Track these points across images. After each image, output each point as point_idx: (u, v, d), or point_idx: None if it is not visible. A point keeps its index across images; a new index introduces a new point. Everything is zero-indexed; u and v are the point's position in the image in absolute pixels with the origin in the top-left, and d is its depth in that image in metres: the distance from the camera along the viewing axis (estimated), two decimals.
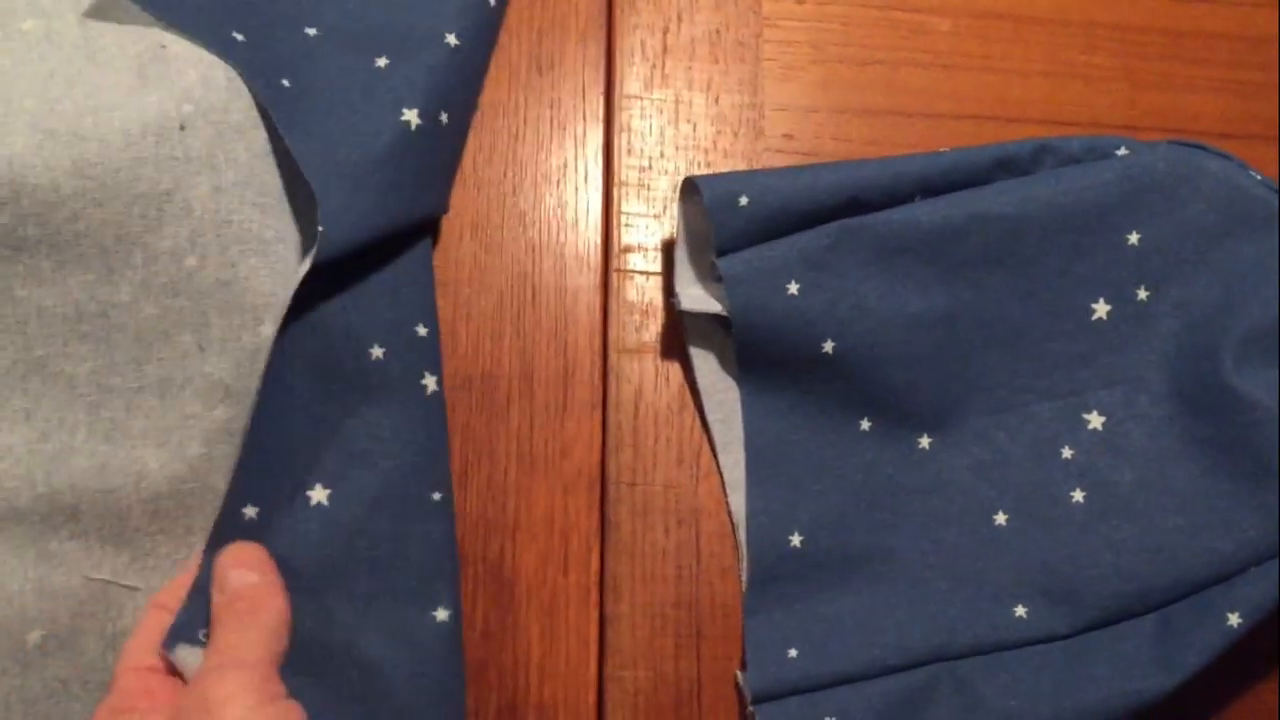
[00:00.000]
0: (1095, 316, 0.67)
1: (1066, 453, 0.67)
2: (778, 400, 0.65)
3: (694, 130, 0.73)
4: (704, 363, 0.67)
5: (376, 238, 0.60)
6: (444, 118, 0.63)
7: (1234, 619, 0.62)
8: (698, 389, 0.67)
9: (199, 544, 0.58)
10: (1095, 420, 0.67)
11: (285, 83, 0.61)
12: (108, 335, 0.55)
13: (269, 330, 0.58)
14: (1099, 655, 0.63)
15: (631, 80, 0.73)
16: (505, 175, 0.70)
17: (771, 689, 0.62)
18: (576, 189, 0.71)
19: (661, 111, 0.73)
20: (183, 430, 0.57)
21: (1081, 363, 0.67)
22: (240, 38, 0.60)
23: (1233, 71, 0.79)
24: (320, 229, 0.57)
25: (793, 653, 0.63)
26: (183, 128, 0.56)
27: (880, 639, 0.63)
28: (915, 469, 0.66)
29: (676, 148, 0.72)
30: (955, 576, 0.64)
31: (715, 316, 0.65)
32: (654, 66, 0.73)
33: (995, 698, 0.62)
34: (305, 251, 0.60)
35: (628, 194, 0.71)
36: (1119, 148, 0.67)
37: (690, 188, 0.64)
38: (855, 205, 0.64)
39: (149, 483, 0.57)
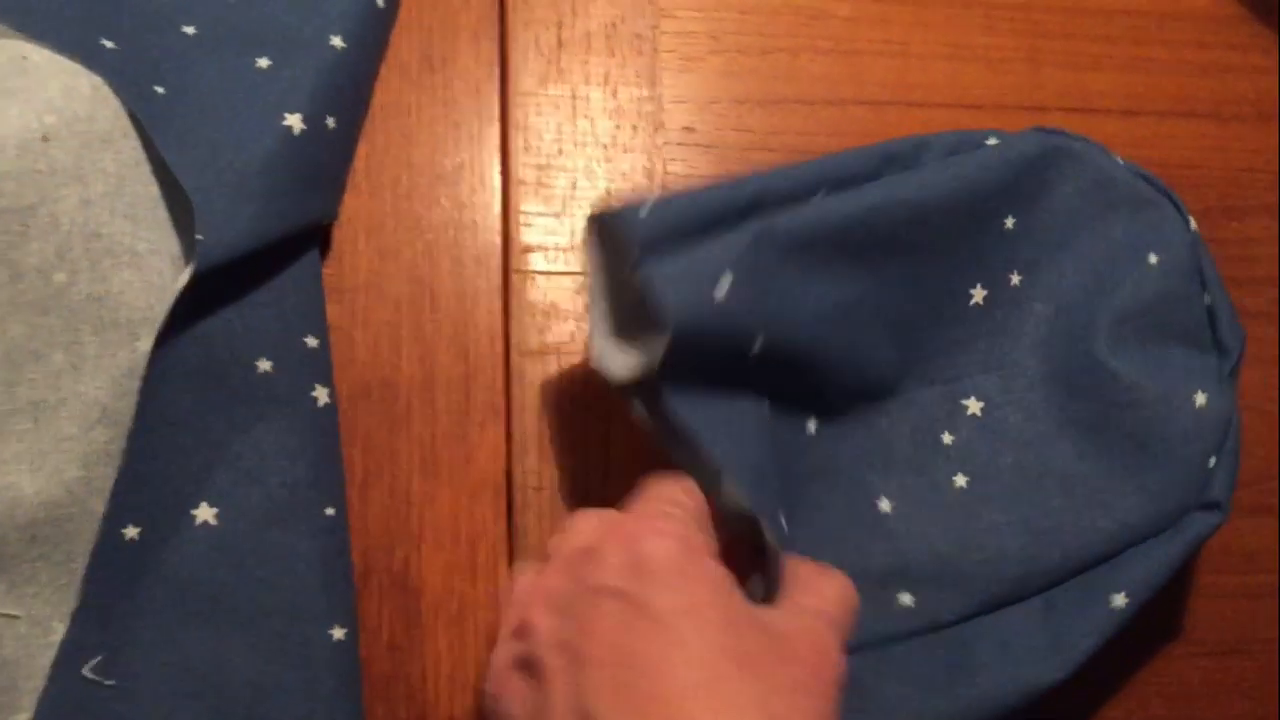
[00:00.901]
0: (973, 302, 0.66)
1: (947, 438, 0.66)
2: (710, 404, 0.60)
3: (592, 126, 0.71)
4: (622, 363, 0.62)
5: (260, 246, 0.57)
6: (330, 122, 0.61)
7: (1119, 599, 0.61)
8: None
9: (80, 569, 0.56)
10: (974, 405, 0.66)
11: (158, 89, 0.58)
12: None
13: (146, 346, 0.55)
14: (988, 641, 0.62)
15: (526, 76, 0.71)
16: (399, 178, 0.68)
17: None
18: (473, 189, 0.68)
19: (558, 108, 0.71)
20: (59, 454, 0.54)
21: (960, 348, 0.66)
22: (109, 44, 0.58)
23: (1137, 48, 0.78)
24: (199, 238, 0.55)
25: None
26: (46, 139, 0.54)
27: None
28: (802, 453, 0.64)
29: (575, 144, 0.70)
30: (839, 563, 0.61)
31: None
32: (549, 62, 0.71)
33: (886, 689, 0.61)
34: (184, 263, 0.57)
35: (526, 193, 0.69)
36: (988, 138, 0.67)
37: (591, 224, 0.61)
38: (759, 206, 0.62)
39: (24, 509, 0.54)
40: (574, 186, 0.70)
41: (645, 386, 0.59)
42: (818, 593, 0.55)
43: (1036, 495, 0.64)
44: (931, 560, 0.64)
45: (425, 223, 0.68)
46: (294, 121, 0.59)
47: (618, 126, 0.71)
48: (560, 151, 0.70)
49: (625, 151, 0.70)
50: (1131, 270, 0.65)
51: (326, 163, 0.63)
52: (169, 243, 0.57)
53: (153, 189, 0.57)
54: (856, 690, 0.59)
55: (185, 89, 0.60)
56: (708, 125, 0.72)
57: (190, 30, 0.62)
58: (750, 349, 0.60)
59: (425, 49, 0.70)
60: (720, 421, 0.59)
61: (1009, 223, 0.66)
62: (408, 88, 0.69)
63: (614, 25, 0.72)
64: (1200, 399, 0.63)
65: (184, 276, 0.55)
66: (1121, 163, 0.67)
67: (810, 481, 0.64)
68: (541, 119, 0.70)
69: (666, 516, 0.54)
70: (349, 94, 0.64)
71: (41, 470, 0.54)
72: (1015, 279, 0.66)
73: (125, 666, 0.56)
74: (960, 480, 0.65)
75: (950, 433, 0.66)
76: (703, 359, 0.58)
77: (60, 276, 0.54)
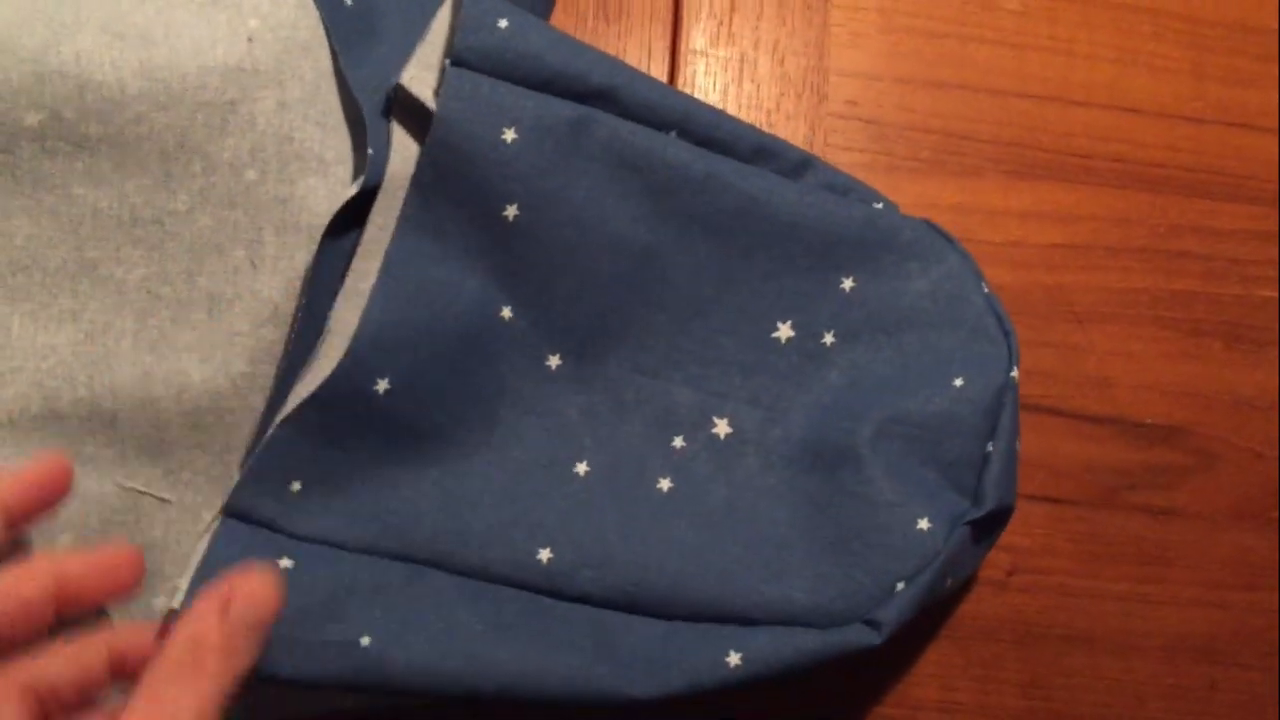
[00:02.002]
0: (775, 335, 0.63)
1: (678, 442, 0.62)
2: (435, 243, 0.58)
3: (757, 90, 0.71)
4: (402, 156, 0.59)
5: None
6: None
7: (734, 659, 0.56)
8: (383, 176, 0.58)
9: (235, 464, 0.56)
10: (722, 428, 0.62)
11: (347, 1, 0.59)
12: (161, 243, 0.54)
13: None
14: (594, 630, 0.58)
15: (698, 36, 0.71)
16: None
17: (254, 512, 0.56)
18: None
19: (726, 69, 0.71)
20: (228, 347, 0.55)
21: (740, 370, 0.63)
22: None
23: None
24: (370, 152, 0.56)
25: (295, 486, 0.57)
26: (250, 40, 0.54)
27: (387, 518, 0.58)
28: (530, 383, 0.61)
29: (739, 107, 0.70)
30: (504, 496, 0.59)
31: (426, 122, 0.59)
32: (721, 24, 0.71)
33: (466, 620, 0.56)
34: (358, 167, 0.58)
35: None
36: (878, 202, 0.64)
37: None
38: (610, 99, 0.60)
39: (190, 396, 0.55)
40: None
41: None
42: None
43: (725, 535, 0.60)
44: (589, 534, 0.60)
45: None
46: None
47: (782, 94, 0.71)
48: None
49: (787, 119, 0.70)
50: (932, 383, 0.61)
51: None
52: (353, 155, 0.58)
53: (340, 100, 0.58)
54: (439, 606, 0.56)
55: (368, 5, 0.60)
56: (870, 101, 0.72)
57: None
58: (501, 209, 0.58)
59: (601, 0, 0.70)
60: (419, 269, 0.57)
61: (847, 283, 0.63)
62: (582, 36, 0.69)
63: None
64: (923, 524, 0.58)
65: (347, 194, 0.56)
66: (985, 292, 0.64)
67: (524, 413, 0.61)
68: (709, 79, 0.70)
69: None
70: None
71: (210, 361, 0.55)
72: (829, 339, 0.63)
73: None
74: (665, 484, 0.61)
75: (685, 439, 0.62)
76: (458, 188, 0.57)
77: (251, 174, 0.54)
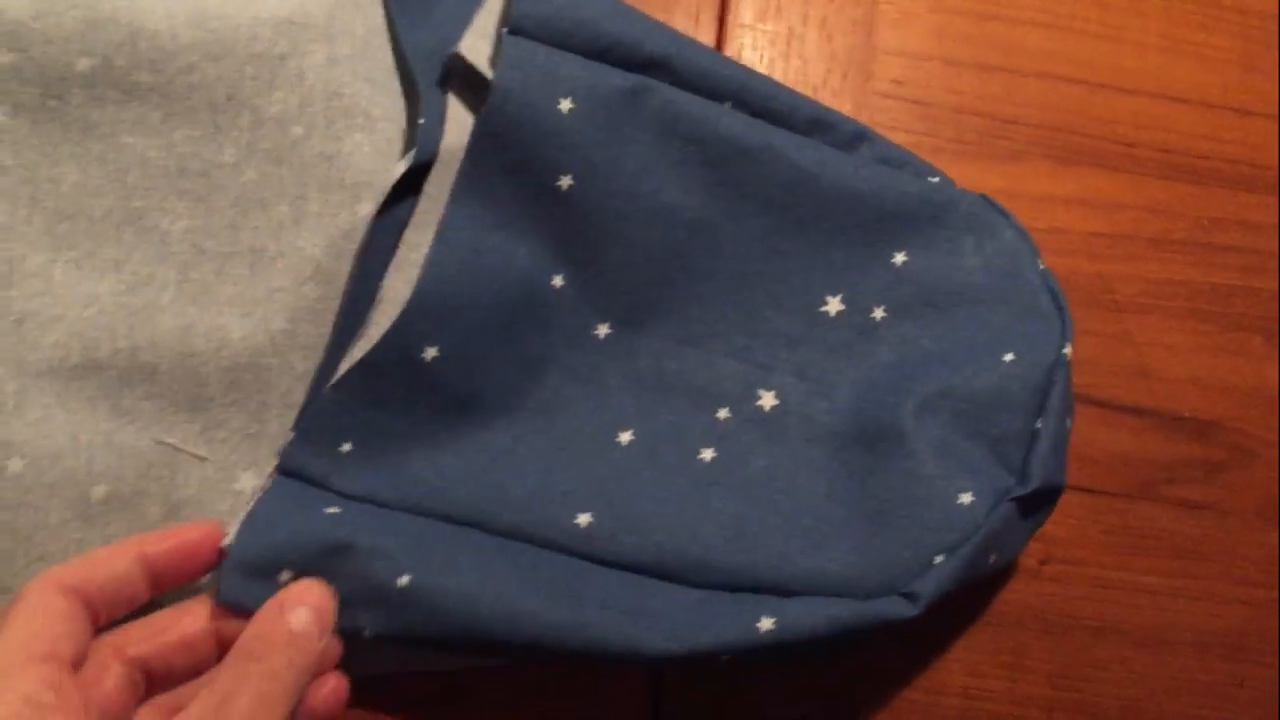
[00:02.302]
0: (824, 309, 0.63)
1: (723, 413, 0.62)
2: (488, 212, 0.58)
3: (805, 66, 0.70)
4: (457, 125, 0.60)
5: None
6: None
7: (766, 623, 0.56)
8: (438, 149, 0.59)
9: (272, 422, 0.56)
10: (767, 399, 0.62)
11: None
12: (207, 195, 0.54)
13: (366, 209, 0.56)
14: (629, 594, 0.58)
15: (746, 9, 0.71)
16: None
17: (306, 470, 0.57)
18: None
19: (773, 44, 0.70)
20: (269, 303, 0.55)
21: (787, 343, 0.63)
22: None
23: None
24: (421, 122, 0.56)
25: (346, 447, 0.58)
26: None
27: (431, 479, 0.59)
28: (578, 351, 0.61)
29: (785, 82, 0.69)
30: (546, 461, 0.60)
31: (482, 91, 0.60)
32: None
33: (503, 574, 0.56)
34: (409, 133, 0.58)
35: None
36: (934, 176, 0.64)
37: None
38: (666, 68, 0.60)
39: (230, 351, 0.55)
40: None
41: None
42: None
43: (764, 505, 0.60)
44: (629, 503, 0.60)
45: None
46: None
47: (829, 70, 0.71)
48: None
49: (834, 96, 0.70)
50: (982, 359, 0.61)
51: None
52: (400, 112, 0.58)
53: (391, 58, 0.58)
54: (478, 565, 0.56)
55: None
56: (917, 82, 0.72)
57: None
58: (555, 179, 0.58)
59: None
60: (473, 237, 0.57)
61: (899, 258, 0.63)
62: (631, 4, 0.69)
63: None
64: (965, 498, 0.58)
65: (400, 167, 0.56)
66: (1040, 268, 0.64)
67: (570, 381, 0.61)
68: (756, 53, 0.70)
69: None
70: None
71: (250, 317, 0.55)
72: (879, 313, 0.63)
73: None
74: (707, 454, 0.61)
75: (729, 411, 0.62)
76: (513, 157, 0.57)
77: (298, 129, 0.54)
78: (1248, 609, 0.68)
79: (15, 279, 0.52)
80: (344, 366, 0.56)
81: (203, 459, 0.55)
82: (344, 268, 0.56)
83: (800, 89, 0.69)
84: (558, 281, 0.60)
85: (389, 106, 0.57)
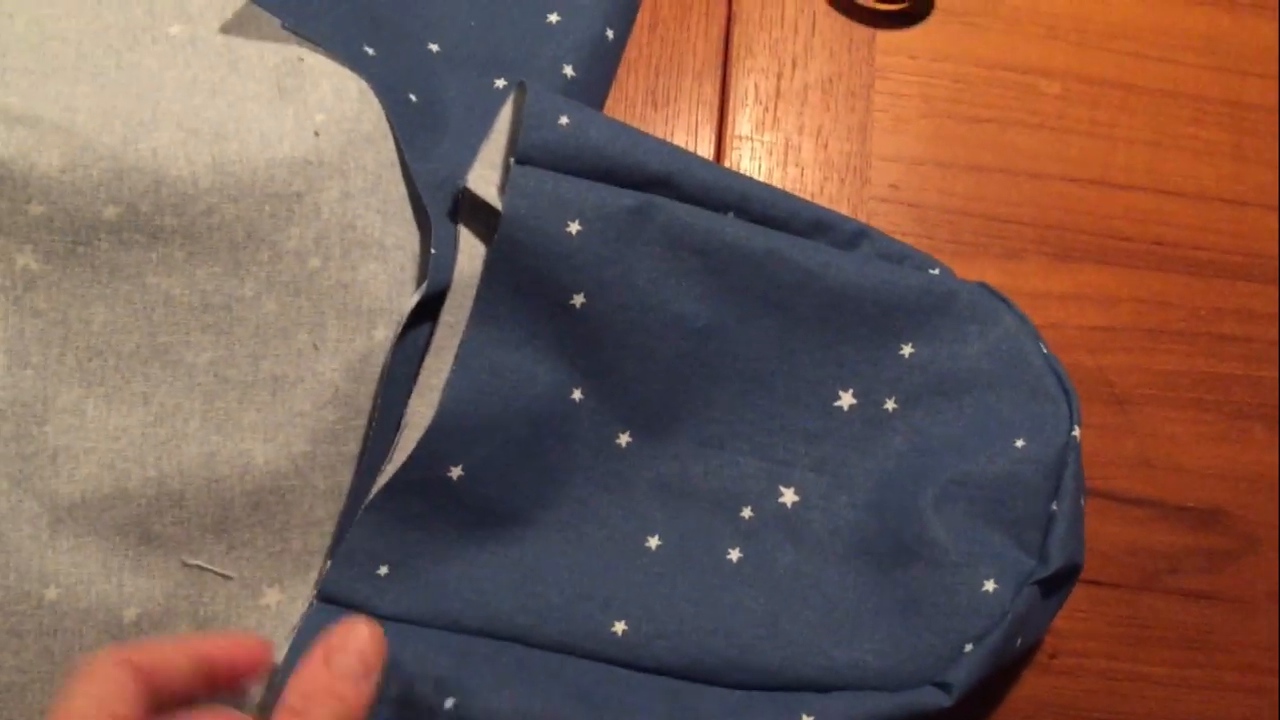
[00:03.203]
0: (838, 404, 0.65)
1: (746, 513, 0.65)
2: (505, 334, 0.61)
3: (801, 174, 0.73)
4: (469, 254, 0.62)
5: None
6: None
7: None
8: (451, 277, 0.62)
9: (295, 540, 0.60)
10: (789, 496, 0.65)
11: (412, 97, 0.62)
12: (229, 328, 0.57)
13: (381, 334, 0.59)
14: (670, 699, 0.60)
15: (743, 122, 0.74)
16: None
17: (345, 595, 0.60)
18: None
19: (771, 154, 0.74)
20: (291, 427, 0.58)
21: (804, 439, 0.65)
22: (370, 51, 0.62)
23: None
24: (433, 252, 0.59)
25: (383, 570, 0.60)
26: (317, 134, 0.58)
27: (468, 596, 0.61)
28: (602, 461, 0.64)
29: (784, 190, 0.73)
30: (579, 571, 0.62)
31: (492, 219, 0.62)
32: (766, 110, 0.74)
33: (545, 688, 0.58)
34: (422, 259, 0.61)
35: None
36: (935, 268, 0.67)
37: (520, 94, 0.62)
38: (669, 185, 0.62)
39: (253, 475, 0.58)
40: None
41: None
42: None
43: (795, 600, 0.63)
44: (666, 608, 0.62)
45: None
46: None
47: (826, 178, 0.74)
48: None
49: (831, 202, 0.73)
50: (994, 444, 0.63)
51: None
52: (412, 240, 0.61)
53: (403, 189, 0.61)
54: (526, 675, 0.59)
55: (431, 100, 0.64)
56: (912, 185, 0.75)
57: (435, 48, 0.66)
58: (569, 298, 0.61)
59: (651, 86, 0.73)
60: (492, 358, 0.60)
61: (906, 350, 0.65)
62: (632, 121, 0.72)
63: (831, 81, 0.75)
64: (989, 585, 0.60)
65: (415, 297, 0.59)
66: (1044, 352, 0.66)
67: (597, 490, 0.64)
68: (754, 163, 0.74)
69: None
70: None
71: (273, 441, 0.58)
72: (890, 404, 0.66)
73: None
74: (734, 554, 0.64)
75: (752, 510, 0.65)
76: (527, 280, 0.60)
77: (314, 261, 0.58)
78: (1256, 697, 0.70)
79: (49, 415, 0.55)
80: (374, 490, 0.60)
81: (228, 577, 0.58)
82: (362, 390, 0.59)
83: (798, 195, 0.73)
84: (577, 395, 0.63)
85: (402, 236, 0.60)
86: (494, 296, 0.60)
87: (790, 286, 0.64)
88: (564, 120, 0.61)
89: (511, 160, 0.61)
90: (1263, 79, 0.80)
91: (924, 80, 0.76)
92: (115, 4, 0.60)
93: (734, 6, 0.75)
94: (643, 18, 0.74)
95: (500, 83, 0.66)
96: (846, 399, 0.65)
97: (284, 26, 0.60)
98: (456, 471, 0.60)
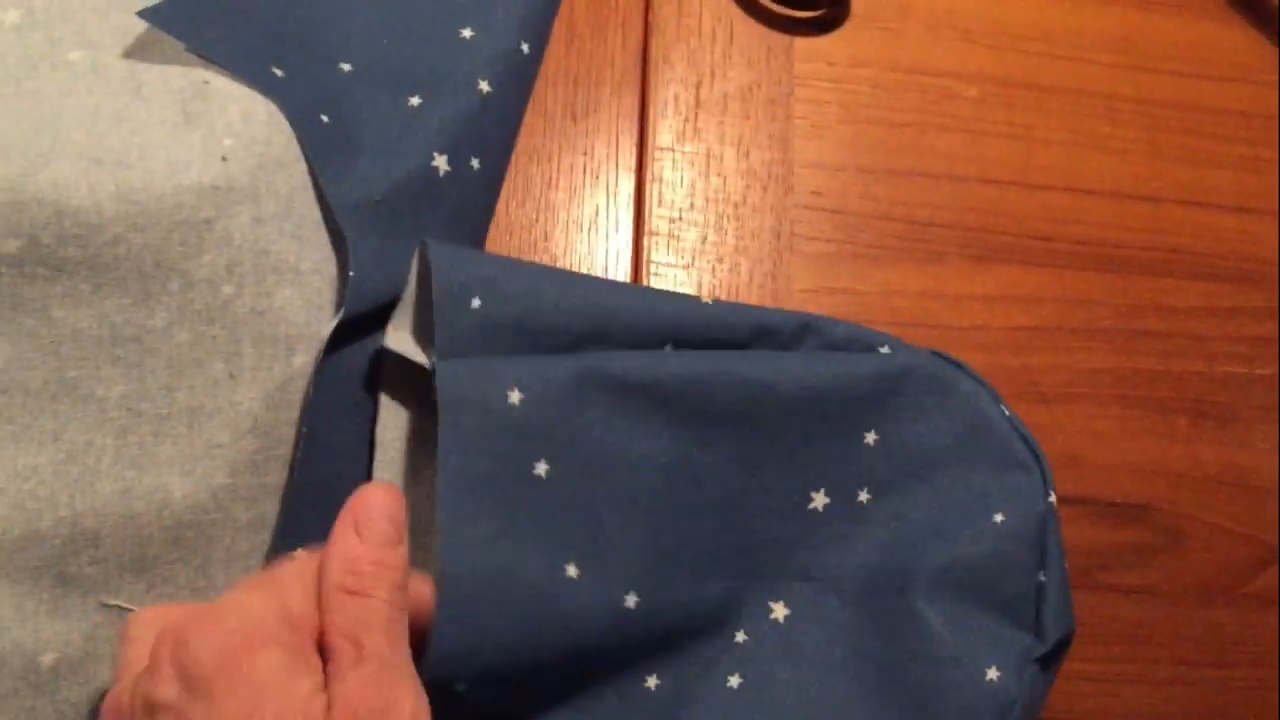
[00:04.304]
0: (812, 506, 0.63)
1: (740, 637, 0.62)
2: (482, 527, 0.56)
3: (724, 184, 0.71)
4: (391, 415, 0.61)
5: (405, 286, 0.59)
6: (475, 164, 0.63)
7: None
8: (374, 439, 0.61)
9: (218, 575, 0.56)
10: (779, 610, 0.63)
11: (324, 118, 0.60)
12: (141, 360, 0.54)
13: (300, 361, 0.57)
14: None
15: (664, 132, 0.71)
16: (537, 220, 0.69)
17: None
18: (607, 236, 0.69)
19: (693, 164, 0.71)
20: (209, 459, 0.55)
21: (785, 548, 0.63)
22: (279, 73, 0.59)
23: (1253, 149, 0.78)
24: (351, 274, 0.56)
25: None
26: (225, 159, 0.55)
27: None
28: (615, 629, 0.59)
29: (706, 200, 0.71)
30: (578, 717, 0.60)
31: (415, 375, 0.60)
32: (686, 120, 0.72)
33: None
34: (339, 282, 0.59)
35: (657, 244, 0.70)
36: (883, 344, 0.64)
37: (424, 256, 0.60)
38: (597, 338, 0.60)
39: (172, 510, 0.55)
40: (704, 241, 0.70)
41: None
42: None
43: (800, 718, 0.61)
44: None
45: (560, 265, 0.68)
46: (440, 162, 0.61)
47: (748, 186, 0.71)
48: (692, 206, 0.71)
49: (755, 211, 0.71)
50: (974, 523, 0.62)
51: (470, 204, 0.64)
52: (328, 264, 0.58)
53: (316, 212, 0.58)
54: None
55: (344, 121, 0.61)
56: (835, 191, 0.73)
57: (347, 67, 0.63)
58: (530, 469, 0.57)
59: (569, 99, 0.71)
60: (474, 562, 0.55)
61: (870, 438, 0.63)
62: (551, 135, 0.70)
63: (750, 89, 0.73)
64: (992, 674, 0.59)
65: (331, 323, 0.56)
66: (1006, 413, 0.64)
67: (604, 652, 0.60)
68: (676, 174, 0.71)
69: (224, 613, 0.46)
70: (494, 137, 0.65)
71: (191, 475, 0.55)
72: (864, 496, 0.63)
73: None
74: (734, 680, 0.61)
75: (746, 633, 0.62)
76: (484, 466, 0.56)
77: (228, 289, 0.55)
78: (1189, 689, 0.69)
79: None
80: None
81: None
82: (281, 419, 0.57)
83: (722, 205, 0.70)
84: (572, 571, 0.57)
85: (317, 260, 0.57)
86: (457, 491, 0.55)
87: (744, 402, 0.61)
88: (476, 303, 0.58)
89: (434, 362, 0.57)
90: (1174, 76, 0.79)
91: (842, 86, 0.74)
92: (11, 31, 0.56)
93: (650, 17, 0.73)
94: (559, 31, 0.71)
95: (415, 100, 0.62)
96: (819, 499, 0.63)
97: (189, 49, 0.57)
98: (462, 686, 0.55)
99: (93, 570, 0.54)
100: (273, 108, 0.58)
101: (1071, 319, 0.73)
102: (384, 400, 0.60)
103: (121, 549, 0.54)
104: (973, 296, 0.73)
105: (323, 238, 0.58)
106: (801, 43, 0.74)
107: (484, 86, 0.64)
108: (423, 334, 0.60)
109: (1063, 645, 0.61)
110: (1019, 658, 0.59)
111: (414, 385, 0.61)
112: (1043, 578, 0.61)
